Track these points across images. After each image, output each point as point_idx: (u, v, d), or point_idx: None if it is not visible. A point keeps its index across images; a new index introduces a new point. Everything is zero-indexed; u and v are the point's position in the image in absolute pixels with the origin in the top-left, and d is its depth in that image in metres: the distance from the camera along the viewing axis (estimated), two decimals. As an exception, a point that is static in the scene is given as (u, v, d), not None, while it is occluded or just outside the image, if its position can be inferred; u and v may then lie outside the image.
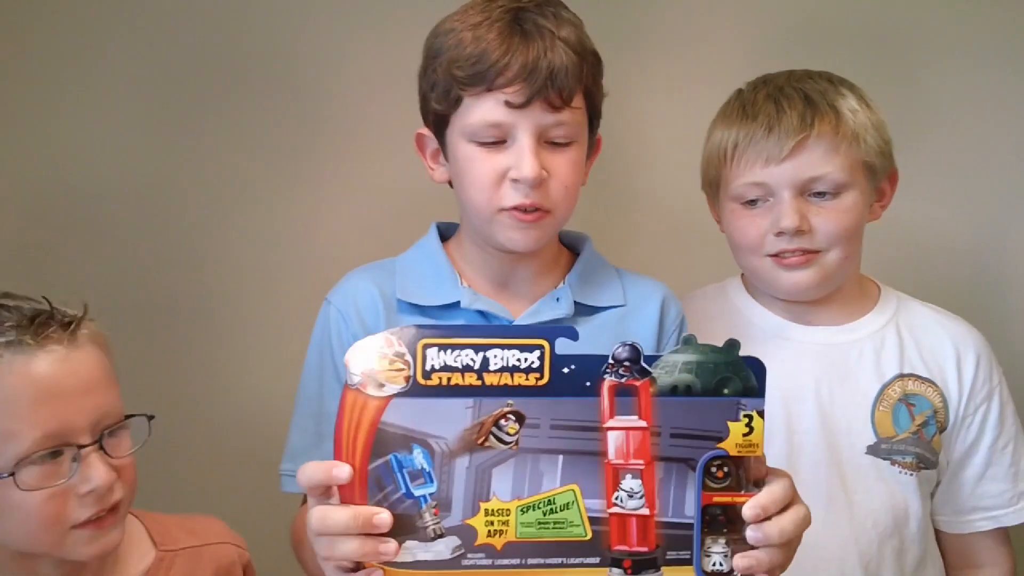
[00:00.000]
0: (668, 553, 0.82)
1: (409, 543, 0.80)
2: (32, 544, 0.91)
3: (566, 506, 0.81)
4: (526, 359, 0.80)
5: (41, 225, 1.50)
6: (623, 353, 0.80)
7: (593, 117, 1.06)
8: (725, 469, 0.82)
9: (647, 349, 0.81)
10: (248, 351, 1.54)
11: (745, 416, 0.81)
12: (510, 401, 0.80)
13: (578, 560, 0.82)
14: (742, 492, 0.82)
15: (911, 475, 1.18)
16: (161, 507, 1.09)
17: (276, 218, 1.53)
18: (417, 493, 0.80)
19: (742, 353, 0.81)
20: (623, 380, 0.80)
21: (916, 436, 1.18)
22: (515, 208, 1.01)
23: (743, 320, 1.23)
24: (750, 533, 0.81)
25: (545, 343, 0.80)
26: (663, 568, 0.82)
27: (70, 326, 0.92)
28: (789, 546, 0.83)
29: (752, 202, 1.18)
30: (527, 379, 0.80)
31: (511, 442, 0.80)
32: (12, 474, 0.87)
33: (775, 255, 1.17)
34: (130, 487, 0.95)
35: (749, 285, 1.27)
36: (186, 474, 1.48)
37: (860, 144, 1.15)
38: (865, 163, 1.16)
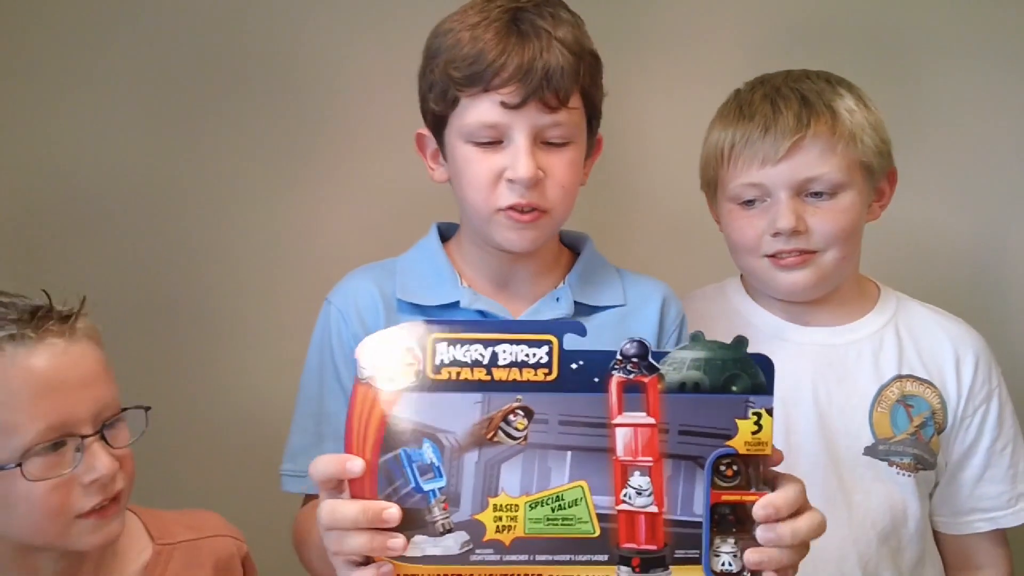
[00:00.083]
0: (676, 551, 0.82)
1: (418, 538, 0.80)
2: (37, 535, 0.91)
3: (574, 502, 0.81)
4: (535, 354, 0.80)
5: (41, 224, 1.49)
6: (631, 349, 0.80)
7: (592, 117, 1.06)
8: (734, 468, 0.81)
9: None
10: (248, 351, 1.54)
11: (754, 414, 0.81)
12: (519, 396, 0.80)
13: (586, 557, 0.82)
14: (752, 491, 0.81)
15: (909, 476, 1.18)
16: (161, 507, 1.09)
17: (276, 218, 1.53)
18: (426, 487, 0.80)
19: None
20: (631, 376, 0.80)
21: (914, 437, 1.18)
22: (511, 208, 1.01)
23: (741, 320, 1.23)
24: (762, 533, 0.80)
25: (553, 339, 0.80)
26: (671, 567, 0.82)
27: (68, 320, 0.93)
28: (800, 550, 0.82)
29: (749, 203, 1.18)
30: (536, 374, 0.80)
31: (520, 437, 0.80)
32: (19, 465, 0.88)
33: (772, 255, 1.17)
34: (130, 478, 0.96)
35: (748, 286, 1.27)
36: (186, 474, 1.49)
37: (857, 144, 1.15)
38: (862, 163, 1.16)
